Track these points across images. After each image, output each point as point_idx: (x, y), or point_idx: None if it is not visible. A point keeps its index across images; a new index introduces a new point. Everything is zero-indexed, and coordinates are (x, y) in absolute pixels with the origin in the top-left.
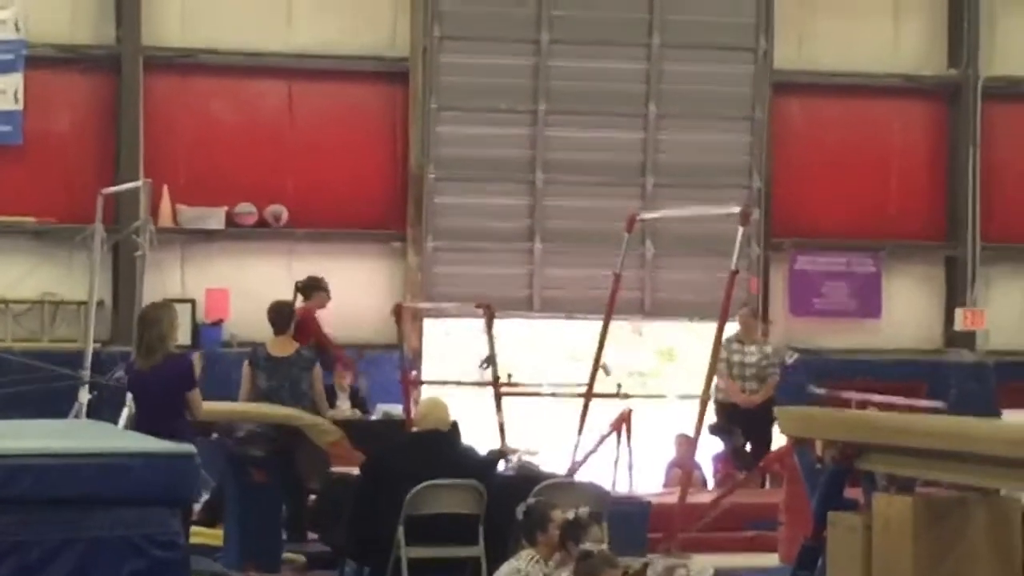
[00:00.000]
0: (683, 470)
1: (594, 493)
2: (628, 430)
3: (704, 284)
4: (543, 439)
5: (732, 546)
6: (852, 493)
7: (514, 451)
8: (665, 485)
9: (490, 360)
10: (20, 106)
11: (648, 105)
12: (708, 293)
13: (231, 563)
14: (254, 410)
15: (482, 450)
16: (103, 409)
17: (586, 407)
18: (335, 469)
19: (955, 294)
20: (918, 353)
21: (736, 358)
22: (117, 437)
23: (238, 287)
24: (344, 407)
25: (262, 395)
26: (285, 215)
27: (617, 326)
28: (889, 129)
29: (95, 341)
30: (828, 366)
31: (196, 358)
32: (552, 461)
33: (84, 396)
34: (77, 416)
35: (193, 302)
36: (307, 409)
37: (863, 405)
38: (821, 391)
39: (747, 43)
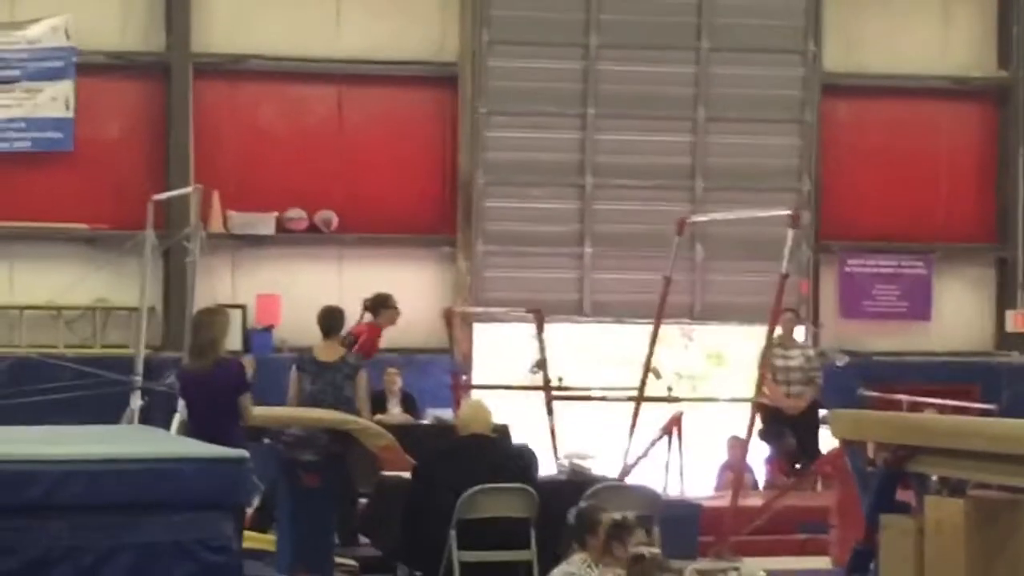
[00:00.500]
0: (735, 473)
1: (645, 497)
2: (679, 433)
3: (754, 287)
4: (594, 443)
5: (784, 549)
6: (904, 496)
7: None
8: (717, 488)
9: (541, 364)
10: (71, 113)
11: (697, 108)
12: (758, 296)
13: (283, 568)
14: (305, 414)
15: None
16: (155, 414)
17: (637, 411)
18: (386, 473)
19: (1006, 296)
20: (969, 355)
21: (779, 363)
22: (169, 442)
23: (288, 292)
24: (395, 412)
25: (307, 399)
26: (335, 220)
27: (667, 330)
28: (938, 131)
29: (146, 347)
30: (878, 369)
31: (247, 363)
32: (603, 465)
33: (136, 402)
34: (129, 421)
35: (244, 307)
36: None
37: (916, 407)
38: (871, 394)
39: (796, 46)
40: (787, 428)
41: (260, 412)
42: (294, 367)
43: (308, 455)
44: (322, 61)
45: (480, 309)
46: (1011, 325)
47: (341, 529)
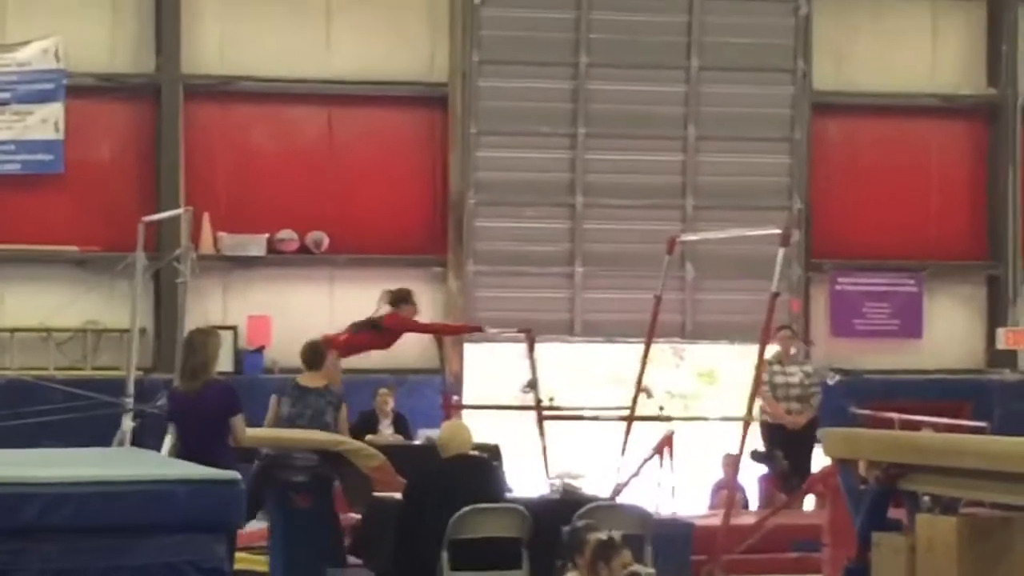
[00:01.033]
0: (728, 491)
1: (637, 516)
2: (670, 452)
3: (745, 306)
4: (586, 462)
5: (776, 568)
6: (896, 514)
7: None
8: (711, 506)
9: (532, 384)
10: (61, 135)
11: (687, 127)
12: (749, 315)
13: None
14: (297, 436)
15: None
16: (146, 436)
17: (628, 430)
18: (378, 494)
19: (997, 313)
20: (960, 373)
21: (779, 380)
22: (161, 464)
23: (280, 314)
24: (387, 432)
25: (284, 422)
26: (326, 241)
27: (658, 349)
28: (929, 149)
29: (138, 368)
30: (870, 387)
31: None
32: (595, 484)
33: (127, 424)
34: (120, 444)
35: (235, 329)
36: None
37: (913, 426)
38: (863, 412)
39: (786, 65)
40: (782, 446)
41: (253, 434)
42: (274, 395)
43: (299, 476)
44: (312, 82)
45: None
46: (1002, 342)
47: (331, 550)
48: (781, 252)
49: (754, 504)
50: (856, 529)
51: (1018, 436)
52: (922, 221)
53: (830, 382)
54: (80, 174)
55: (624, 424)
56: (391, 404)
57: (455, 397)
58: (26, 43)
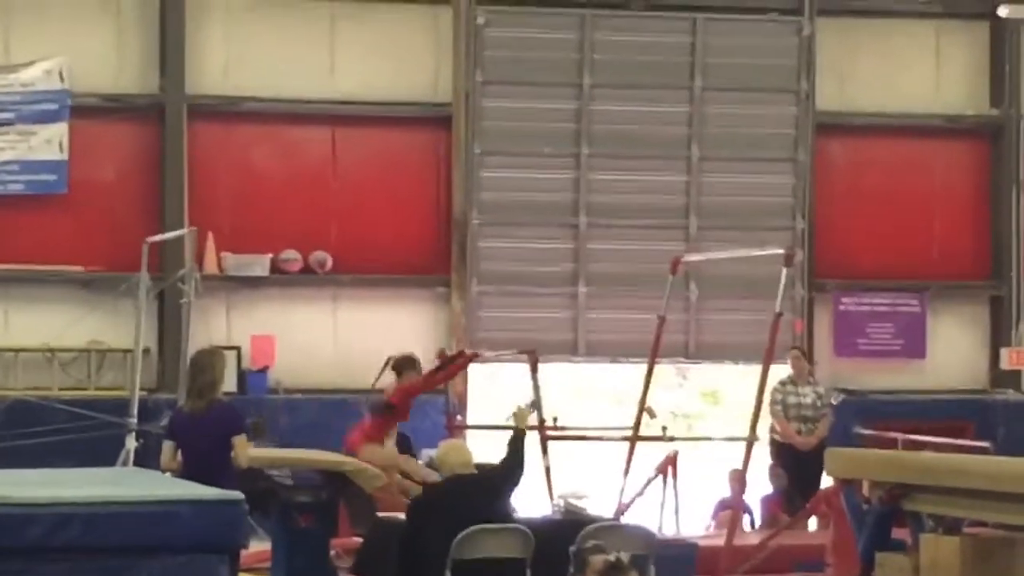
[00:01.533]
0: (733, 510)
1: (641, 536)
2: (674, 472)
3: (748, 326)
4: (589, 483)
5: None
6: (899, 534)
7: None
8: (715, 522)
9: (535, 404)
10: (65, 156)
11: (691, 147)
12: (752, 335)
13: None
14: (300, 456)
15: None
16: (150, 457)
17: (632, 450)
18: (381, 515)
19: (1000, 333)
20: (964, 393)
21: (792, 400)
22: (165, 485)
23: (283, 334)
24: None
25: None
26: (330, 262)
27: (662, 369)
28: (932, 169)
29: (141, 389)
30: (873, 407)
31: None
32: (599, 504)
33: (131, 444)
34: (124, 464)
35: (239, 349)
36: None
37: (916, 446)
38: (867, 432)
39: (789, 85)
40: (790, 466)
41: (254, 454)
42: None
43: (303, 496)
44: (316, 103)
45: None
46: (1006, 362)
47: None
48: (784, 272)
49: (756, 524)
50: (859, 549)
51: (1021, 457)
52: (925, 241)
53: (834, 402)
54: (84, 194)
55: (627, 444)
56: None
57: (459, 417)
58: (30, 63)
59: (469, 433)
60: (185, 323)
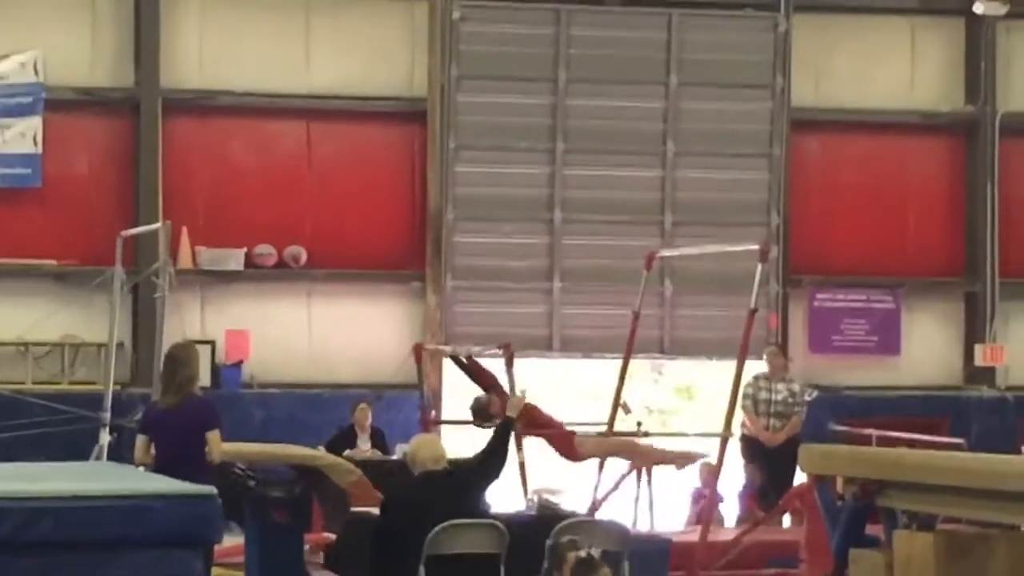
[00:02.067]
0: (706, 502)
1: (615, 532)
2: (648, 468)
3: (723, 322)
4: (564, 478)
5: None
6: (873, 530)
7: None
8: (693, 510)
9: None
10: (39, 149)
11: (666, 143)
12: (727, 331)
13: None
14: (274, 450)
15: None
16: (123, 451)
17: None
18: (355, 509)
19: (974, 330)
20: (938, 389)
21: (763, 396)
22: (138, 479)
23: (258, 328)
24: (364, 448)
25: None
26: (304, 256)
27: (636, 364)
28: (907, 166)
29: (115, 383)
30: (848, 403)
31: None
32: (573, 500)
33: (104, 438)
34: (98, 458)
35: (213, 343)
36: None
37: (890, 443)
38: (841, 428)
39: (765, 81)
40: (762, 460)
41: (230, 448)
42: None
43: (277, 491)
44: (291, 97)
45: (449, 348)
46: (980, 359)
47: None
48: (759, 268)
49: (731, 520)
50: (833, 546)
51: (995, 453)
52: (900, 238)
53: (808, 398)
54: (58, 188)
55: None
56: (370, 419)
57: (433, 412)
58: (4, 56)
59: (443, 428)
60: (159, 317)
